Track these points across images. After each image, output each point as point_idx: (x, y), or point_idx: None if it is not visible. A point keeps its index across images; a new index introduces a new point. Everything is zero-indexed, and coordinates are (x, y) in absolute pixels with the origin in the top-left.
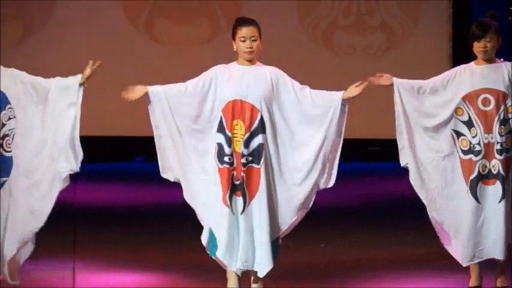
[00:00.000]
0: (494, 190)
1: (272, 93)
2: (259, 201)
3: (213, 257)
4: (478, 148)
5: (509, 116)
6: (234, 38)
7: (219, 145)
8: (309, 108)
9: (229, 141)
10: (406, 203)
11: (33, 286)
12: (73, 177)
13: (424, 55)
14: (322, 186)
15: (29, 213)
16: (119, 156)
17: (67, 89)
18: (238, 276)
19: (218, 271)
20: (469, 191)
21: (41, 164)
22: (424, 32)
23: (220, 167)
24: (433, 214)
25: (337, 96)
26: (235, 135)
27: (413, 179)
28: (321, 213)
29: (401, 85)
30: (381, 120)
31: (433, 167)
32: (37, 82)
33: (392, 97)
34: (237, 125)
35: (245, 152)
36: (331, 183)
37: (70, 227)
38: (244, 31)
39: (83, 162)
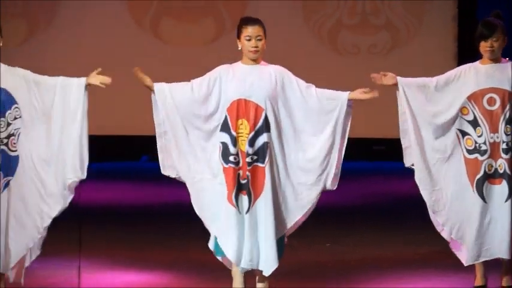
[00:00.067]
0: (500, 189)
1: (277, 92)
2: (265, 200)
3: (219, 257)
4: (484, 147)
5: None
6: (239, 37)
7: (224, 144)
8: (314, 107)
9: (235, 141)
10: (411, 202)
11: (39, 285)
12: None
13: (429, 55)
14: (328, 187)
15: (37, 214)
16: (124, 155)
17: (72, 91)
18: (243, 275)
19: (223, 270)
20: (475, 191)
21: (51, 170)
22: (429, 31)
23: (225, 166)
24: (435, 214)
25: (344, 95)
26: (240, 134)
27: (418, 179)
28: (326, 212)
29: (405, 84)
30: (386, 120)
31: (437, 168)
32: (42, 81)
33: (396, 97)
34: (241, 124)
35: (250, 151)
36: (336, 184)
37: (75, 226)
38: (250, 30)
39: (88, 161)
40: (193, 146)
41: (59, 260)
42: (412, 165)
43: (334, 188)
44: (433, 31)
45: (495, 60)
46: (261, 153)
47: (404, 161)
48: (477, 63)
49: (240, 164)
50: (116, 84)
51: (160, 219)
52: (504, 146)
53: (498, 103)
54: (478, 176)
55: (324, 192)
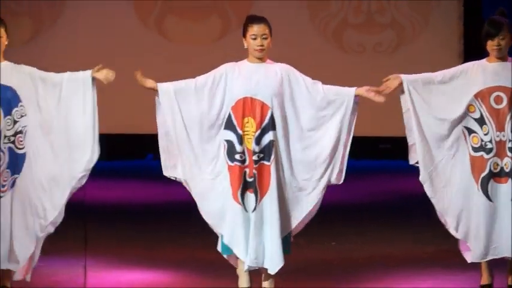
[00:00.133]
0: (506, 188)
1: (283, 90)
2: (270, 198)
3: (225, 255)
4: (489, 146)
5: None
6: (244, 35)
7: (229, 142)
8: (321, 103)
9: (241, 139)
10: (417, 200)
11: (45, 283)
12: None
13: (434, 53)
14: (333, 181)
15: (42, 210)
16: (129, 154)
17: (79, 85)
18: (249, 274)
19: (229, 269)
20: (480, 189)
21: (57, 164)
22: (434, 29)
23: (231, 164)
24: (441, 212)
25: (350, 91)
26: (246, 132)
27: (423, 178)
28: (332, 210)
29: (410, 81)
30: (392, 118)
31: (443, 165)
32: (48, 78)
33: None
34: (247, 122)
35: (256, 149)
36: (342, 180)
37: (81, 224)
38: (255, 29)
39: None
40: (194, 147)
41: (65, 259)
42: (417, 163)
43: (339, 183)
44: (438, 29)
45: (502, 58)
46: (267, 152)
47: (409, 158)
48: (484, 61)
49: (247, 162)
50: (121, 83)
51: (165, 218)
52: (510, 144)
53: (505, 102)
54: (483, 174)
55: (330, 191)
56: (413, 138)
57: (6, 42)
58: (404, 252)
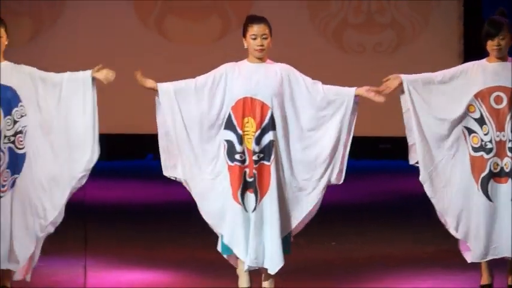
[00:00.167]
0: (506, 188)
1: (283, 90)
2: (270, 198)
3: (225, 255)
4: (489, 146)
5: None
6: (244, 35)
7: (229, 142)
8: (321, 103)
9: (241, 139)
10: (417, 200)
11: (45, 283)
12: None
13: (434, 53)
14: (333, 182)
15: (42, 210)
16: (129, 154)
17: (79, 85)
18: (249, 274)
19: (229, 269)
20: (480, 189)
21: (57, 164)
22: (434, 29)
23: (231, 164)
24: (441, 212)
25: (350, 91)
26: (246, 132)
27: (423, 177)
28: (332, 210)
29: (410, 81)
30: (392, 118)
31: (443, 165)
32: (48, 78)
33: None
34: (247, 122)
35: (256, 149)
36: (342, 180)
37: (81, 224)
38: (255, 29)
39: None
40: (194, 147)
41: (65, 259)
42: (417, 163)
43: (340, 183)
44: (438, 29)
45: (502, 58)
46: (266, 152)
47: (409, 158)
48: (484, 61)
49: (247, 162)
50: (121, 83)
51: (165, 218)
52: (510, 144)
53: (505, 102)
54: (483, 174)
55: (330, 191)
56: (413, 138)
57: (6, 42)
58: (404, 252)
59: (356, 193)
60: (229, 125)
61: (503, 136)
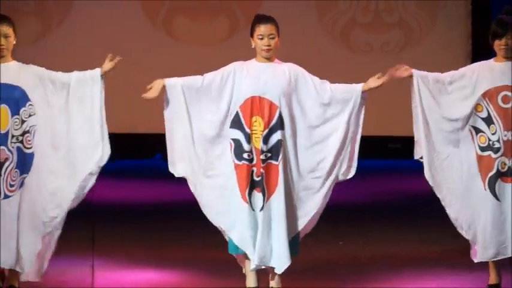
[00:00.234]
0: None
1: (291, 90)
2: (278, 198)
3: (234, 255)
4: (497, 145)
5: None
6: (252, 35)
7: (237, 141)
8: (329, 102)
9: (249, 138)
10: (425, 200)
11: (52, 283)
12: None
13: (442, 53)
14: (342, 177)
15: (51, 209)
16: (138, 153)
17: (87, 84)
18: (256, 273)
19: (237, 268)
20: (487, 189)
21: (67, 164)
22: (442, 29)
23: (238, 163)
24: (447, 209)
25: (357, 88)
26: (254, 131)
27: (428, 173)
28: (339, 210)
29: (420, 76)
30: (401, 118)
31: (449, 162)
32: (56, 77)
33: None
34: (256, 121)
35: (264, 148)
36: (351, 175)
37: (89, 224)
38: (262, 29)
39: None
40: (199, 144)
41: (72, 259)
42: (421, 158)
43: (347, 178)
44: (446, 29)
45: (510, 58)
46: (274, 151)
47: (414, 152)
48: (491, 60)
49: (254, 161)
50: (129, 82)
51: (174, 217)
52: None
53: None
54: (491, 174)
55: (338, 190)
56: (419, 133)
57: (14, 42)
58: (409, 252)
59: (364, 193)
60: (236, 124)
61: (511, 135)
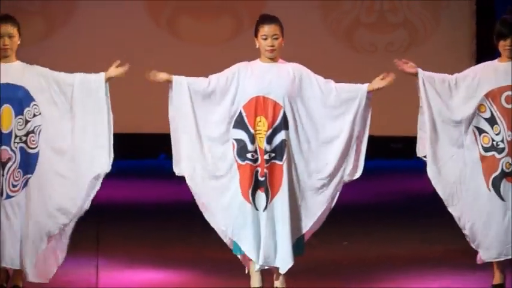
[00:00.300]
0: None
1: (295, 90)
2: (282, 198)
3: (238, 255)
4: (501, 145)
5: None
6: (256, 35)
7: (240, 141)
8: (334, 102)
9: (253, 138)
10: (427, 200)
11: (57, 283)
12: None
13: (446, 52)
14: (347, 178)
15: (56, 210)
16: (142, 153)
17: (91, 88)
18: (260, 273)
19: (242, 268)
20: (491, 189)
21: (72, 164)
22: (446, 29)
23: (241, 163)
24: (450, 208)
25: (363, 88)
26: (258, 131)
27: (432, 173)
28: (342, 210)
29: (426, 76)
30: (404, 118)
31: (453, 162)
32: (60, 77)
33: (414, 94)
34: (260, 121)
35: (268, 148)
36: (358, 175)
37: (93, 224)
38: (266, 29)
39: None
40: (202, 144)
41: (77, 259)
42: (424, 156)
43: (353, 178)
44: (451, 29)
45: None
46: (278, 151)
47: (416, 150)
48: (496, 61)
49: (259, 162)
50: (133, 83)
51: (178, 217)
52: None
53: None
54: (495, 174)
55: (342, 190)
56: (423, 132)
57: (18, 42)
58: (412, 252)
59: (366, 193)
60: (240, 124)
61: None
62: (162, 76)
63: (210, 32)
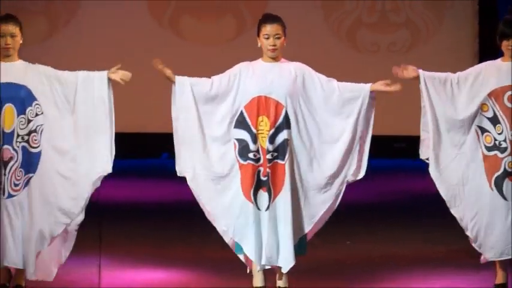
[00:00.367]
0: None
1: (297, 89)
2: (284, 197)
3: (240, 255)
4: (504, 145)
5: None
6: (258, 35)
7: (242, 141)
8: (336, 101)
9: (255, 138)
10: (430, 200)
11: (59, 282)
12: None
13: (449, 52)
14: (351, 178)
15: (57, 210)
16: (144, 153)
17: (94, 86)
18: (263, 273)
19: (243, 268)
20: (494, 188)
21: (74, 164)
22: (449, 29)
23: (243, 163)
24: (452, 210)
25: (366, 87)
26: (260, 131)
27: (434, 173)
28: (345, 209)
29: (427, 77)
30: (407, 117)
31: (455, 164)
32: (62, 76)
33: (417, 94)
34: (262, 121)
35: (270, 147)
36: (361, 175)
37: (95, 223)
38: (268, 28)
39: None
40: (204, 144)
41: (79, 258)
42: (427, 159)
43: (357, 179)
44: (453, 29)
45: None
46: (281, 150)
47: (420, 152)
48: (498, 60)
49: (261, 161)
50: (136, 82)
51: (180, 217)
52: None
53: None
54: (498, 174)
55: (345, 190)
56: (426, 133)
57: (21, 41)
58: (415, 252)
59: (369, 192)
60: (242, 124)
61: None
62: (165, 71)
63: (212, 32)
